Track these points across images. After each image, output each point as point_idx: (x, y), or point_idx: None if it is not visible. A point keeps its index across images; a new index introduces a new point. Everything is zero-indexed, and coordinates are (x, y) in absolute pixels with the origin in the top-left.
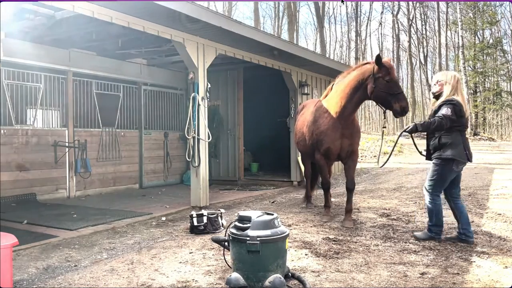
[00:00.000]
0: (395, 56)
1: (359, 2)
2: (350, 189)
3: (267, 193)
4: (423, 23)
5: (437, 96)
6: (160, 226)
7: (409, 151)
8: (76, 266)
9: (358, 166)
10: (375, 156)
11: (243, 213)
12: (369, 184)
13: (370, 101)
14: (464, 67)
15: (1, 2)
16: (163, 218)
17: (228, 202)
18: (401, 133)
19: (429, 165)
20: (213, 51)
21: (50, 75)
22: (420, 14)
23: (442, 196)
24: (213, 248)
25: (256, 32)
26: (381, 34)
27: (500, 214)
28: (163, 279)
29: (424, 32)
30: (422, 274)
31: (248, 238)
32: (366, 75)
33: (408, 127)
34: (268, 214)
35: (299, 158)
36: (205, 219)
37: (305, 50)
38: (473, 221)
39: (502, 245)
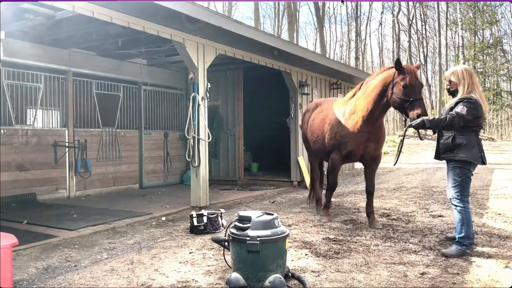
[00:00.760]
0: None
1: (359, 2)
2: (371, 192)
3: (267, 193)
4: (423, 23)
5: (452, 93)
6: (160, 226)
7: (409, 151)
8: (76, 266)
9: (358, 166)
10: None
11: (243, 213)
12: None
13: None
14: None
15: (1, 2)
16: (163, 218)
17: (228, 202)
18: (407, 128)
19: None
20: (213, 51)
21: (50, 75)
22: (420, 14)
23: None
24: (213, 248)
25: (256, 32)
26: (381, 34)
27: (500, 214)
28: (163, 279)
29: (424, 32)
30: (422, 274)
31: (248, 238)
32: (388, 80)
33: (415, 122)
34: (268, 214)
35: (299, 158)
36: (205, 219)
37: (305, 50)
38: (473, 221)
39: (502, 245)
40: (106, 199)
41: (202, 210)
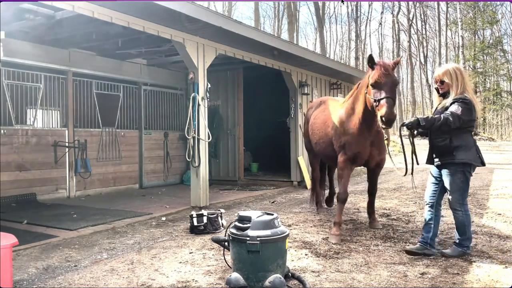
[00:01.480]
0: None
1: (359, 2)
2: (373, 194)
3: (267, 193)
4: (423, 23)
5: (443, 94)
6: (160, 226)
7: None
8: (76, 266)
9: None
10: None
11: (243, 213)
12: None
13: None
14: (464, 67)
15: (1, 2)
16: (163, 218)
17: (228, 202)
18: (400, 127)
19: (428, 166)
20: (213, 51)
21: (50, 75)
22: (420, 14)
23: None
24: (213, 248)
25: (256, 32)
26: (381, 34)
27: (500, 214)
28: (163, 279)
29: (424, 32)
30: (422, 274)
31: (248, 238)
32: (366, 79)
33: (409, 121)
34: (268, 214)
35: (299, 158)
36: (205, 219)
37: (305, 50)
38: (473, 221)
39: (502, 245)
40: (106, 199)
41: (202, 210)
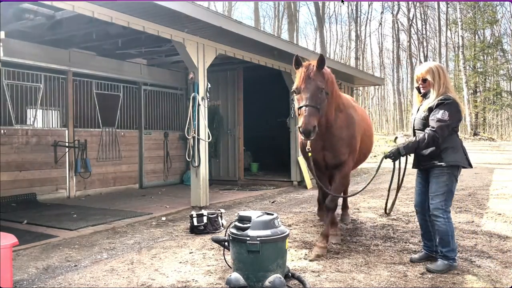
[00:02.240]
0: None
1: (359, 2)
2: (328, 208)
3: (267, 193)
4: (423, 23)
5: (424, 94)
6: (160, 226)
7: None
8: (76, 266)
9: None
10: (375, 156)
11: (243, 213)
12: (369, 184)
13: (370, 100)
14: (464, 67)
15: (1, 2)
16: (163, 218)
17: (228, 202)
18: (382, 159)
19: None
20: (213, 51)
21: (50, 75)
22: (420, 14)
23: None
24: (213, 248)
25: (256, 32)
26: (381, 34)
27: (500, 214)
28: (163, 279)
29: (424, 32)
30: (422, 274)
31: (248, 238)
32: None
33: (390, 152)
34: (268, 214)
35: (299, 158)
36: (205, 219)
37: (305, 50)
38: (473, 221)
39: (502, 245)
40: (106, 199)
41: (202, 210)
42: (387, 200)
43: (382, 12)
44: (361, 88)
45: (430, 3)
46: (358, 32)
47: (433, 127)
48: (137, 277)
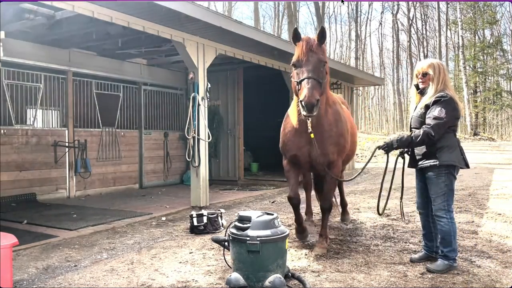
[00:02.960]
0: (395, 56)
1: (359, 2)
2: (325, 209)
3: (267, 193)
4: (423, 23)
5: (422, 91)
6: (160, 226)
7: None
8: (76, 266)
9: (359, 166)
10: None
11: (243, 213)
12: (369, 184)
13: (370, 100)
14: (464, 67)
15: (1, 2)
16: (163, 218)
17: (228, 202)
18: (374, 150)
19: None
20: (213, 51)
21: (50, 75)
22: (420, 14)
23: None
24: (213, 248)
25: (256, 32)
26: (381, 34)
27: (500, 214)
28: (163, 279)
29: (424, 32)
30: (422, 274)
31: (248, 238)
32: None
33: (384, 144)
34: (268, 214)
35: None
36: (205, 219)
37: None
38: (473, 221)
39: (502, 245)
40: (106, 199)
41: (202, 210)
42: (378, 200)
43: (382, 12)
44: (361, 88)
45: (430, 3)
46: (358, 32)
47: (429, 124)
48: (137, 277)
